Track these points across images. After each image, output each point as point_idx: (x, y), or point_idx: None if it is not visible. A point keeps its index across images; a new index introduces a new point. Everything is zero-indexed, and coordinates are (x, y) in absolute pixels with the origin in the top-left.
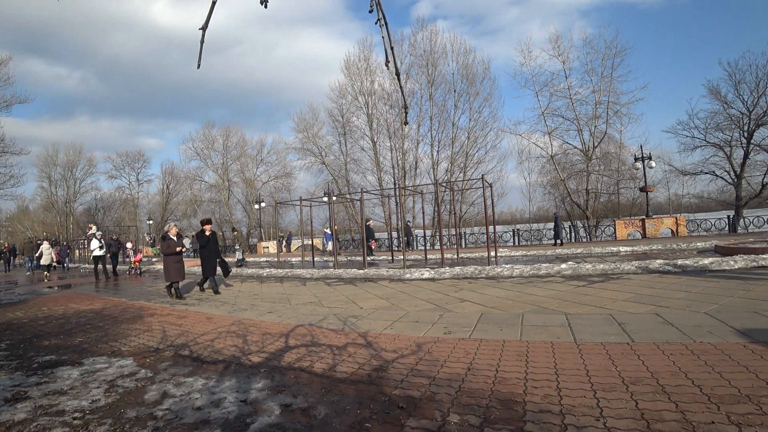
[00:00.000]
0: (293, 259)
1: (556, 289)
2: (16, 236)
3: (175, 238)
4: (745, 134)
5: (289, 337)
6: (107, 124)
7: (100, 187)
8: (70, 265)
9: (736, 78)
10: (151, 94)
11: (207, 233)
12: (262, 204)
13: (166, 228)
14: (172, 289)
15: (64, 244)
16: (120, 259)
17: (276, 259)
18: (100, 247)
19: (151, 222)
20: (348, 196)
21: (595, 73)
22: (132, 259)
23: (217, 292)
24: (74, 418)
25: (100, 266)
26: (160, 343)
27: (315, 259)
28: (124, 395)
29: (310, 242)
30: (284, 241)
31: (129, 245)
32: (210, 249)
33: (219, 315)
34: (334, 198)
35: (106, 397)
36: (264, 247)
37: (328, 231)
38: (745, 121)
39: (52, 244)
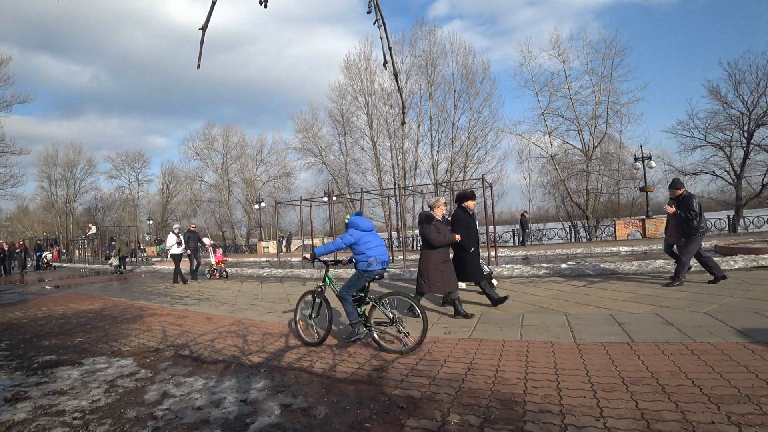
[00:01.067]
0: (293, 259)
1: (556, 289)
2: (16, 236)
3: (440, 219)
4: (745, 134)
5: (289, 337)
6: (116, 122)
7: (100, 187)
8: (125, 267)
9: (736, 78)
10: (162, 91)
11: (472, 214)
12: (262, 204)
13: (430, 202)
14: (450, 304)
15: (112, 241)
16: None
17: (276, 259)
18: (178, 243)
19: (151, 222)
20: (348, 196)
21: (595, 73)
22: (212, 260)
23: (468, 301)
24: (74, 418)
25: (179, 267)
26: (160, 343)
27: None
28: (124, 395)
29: (310, 242)
30: (284, 241)
31: (207, 240)
32: (474, 239)
33: (219, 315)
34: (334, 198)
35: (106, 397)
36: (264, 247)
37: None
38: (745, 121)
39: (51, 244)
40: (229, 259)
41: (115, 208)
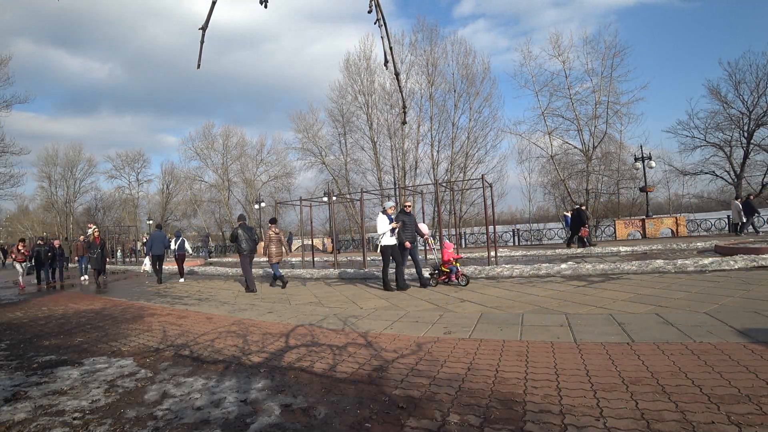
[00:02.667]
0: (293, 259)
1: (556, 289)
2: (16, 236)
3: None
4: (745, 134)
5: (290, 337)
6: (129, 119)
7: (100, 187)
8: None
9: (736, 78)
10: (176, 89)
11: None
12: (262, 204)
13: None
14: None
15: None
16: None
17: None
18: (393, 231)
19: (151, 222)
20: (348, 196)
21: (595, 73)
22: (439, 258)
23: None
24: (74, 418)
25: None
26: (160, 343)
27: (315, 259)
28: (124, 395)
29: (310, 242)
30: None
31: (424, 228)
32: None
33: (219, 315)
34: (334, 198)
35: (106, 397)
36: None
37: (568, 214)
38: (745, 121)
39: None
40: (229, 259)
41: (115, 208)
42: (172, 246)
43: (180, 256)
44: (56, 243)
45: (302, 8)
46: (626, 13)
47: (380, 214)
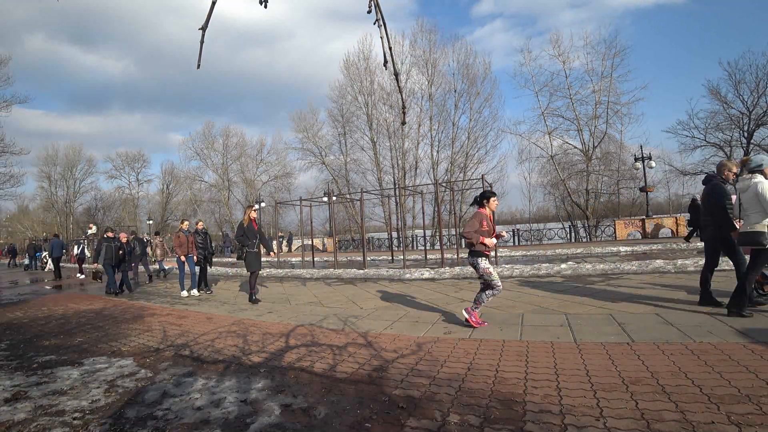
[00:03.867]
0: (293, 259)
1: (555, 289)
2: (16, 236)
3: None
4: (745, 134)
5: (290, 337)
6: (139, 117)
7: (100, 186)
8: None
9: (736, 78)
10: (188, 86)
11: None
12: (262, 204)
13: None
14: None
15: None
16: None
17: (276, 259)
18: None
19: (151, 222)
20: (348, 196)
21: (595, 73)
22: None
23: None
24: (74, 418)
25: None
26: (160, 343)
27: (315, 259)
28: (124, 395)
29: (310, 242)
30: (284, 241)
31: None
32: None
33: (219, 315)
34: (334, 198)
35: (106, 397)
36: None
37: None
38: (745, 121)
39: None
40: (229, 260)
41: (115, 208)
42: (75, 251)
43: (80, 259)
44: (123, 237)
45: (317, 6)
46: (644, 14)
47: (758, 175)
